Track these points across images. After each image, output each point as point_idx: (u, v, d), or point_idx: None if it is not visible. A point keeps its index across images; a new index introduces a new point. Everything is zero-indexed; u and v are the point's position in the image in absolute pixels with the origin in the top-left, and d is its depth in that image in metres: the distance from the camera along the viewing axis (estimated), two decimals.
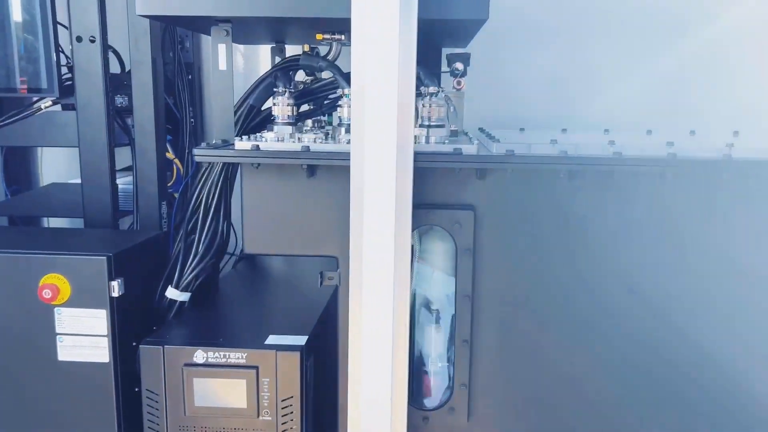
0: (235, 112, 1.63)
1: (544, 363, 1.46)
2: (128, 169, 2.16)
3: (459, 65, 1.76)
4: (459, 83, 1.78)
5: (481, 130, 1.82)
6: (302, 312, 1.67)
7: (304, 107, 1.78)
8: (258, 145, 1.36)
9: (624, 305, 1.41)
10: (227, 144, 1.44)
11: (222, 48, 1.42)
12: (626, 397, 1.46)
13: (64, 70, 1.94)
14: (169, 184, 2.13)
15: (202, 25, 1.51)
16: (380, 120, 1.23)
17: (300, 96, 1.65)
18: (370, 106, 1.23)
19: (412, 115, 1.25)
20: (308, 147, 1.35)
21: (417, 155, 1.32)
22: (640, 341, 1.43)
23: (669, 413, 1.47)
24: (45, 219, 2.44)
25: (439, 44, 1.95)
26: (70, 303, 1.52)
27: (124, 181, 2.10)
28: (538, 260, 1.41)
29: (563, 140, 1.44)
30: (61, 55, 1.91)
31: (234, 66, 1.47)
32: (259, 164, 1.37)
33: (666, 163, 1.29)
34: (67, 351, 1.54)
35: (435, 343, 1.53)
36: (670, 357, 1.44)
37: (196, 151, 1.35)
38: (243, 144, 1.37)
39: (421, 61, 1.94)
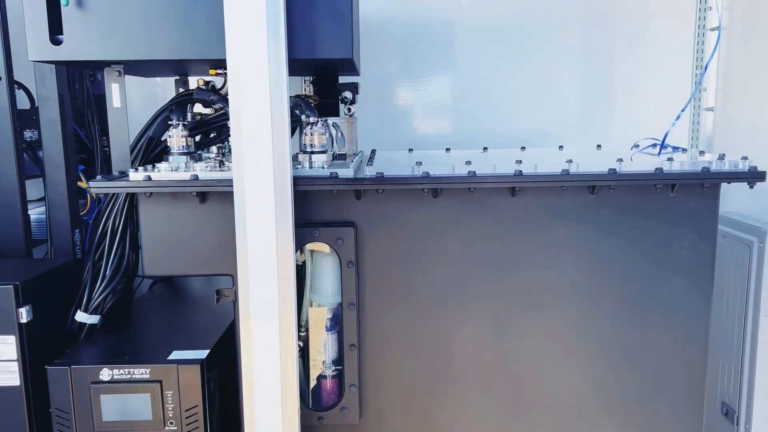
0: (136, 144, 1.75)
1: (426, 361, 1.62)
2: (42, 199, 2.24)
3: (347, 94, 1.94)
4: (349, 110, 1.95)
5: (372, 152, 1.98)
6: (208, 328, 1.79)
7: (213, 134, 1.91)
8: (150, 176, 1.48)
9: (488, 304, 1.59)
10: (124, 175, 1.56)
11: (115, 87, 1.54)
12: (499, 387, 1.63)
13: None
14: (83, 213, 2.21)
15: (95, 67, 1.62)
16: (256, 148, 1.38)
17: (198, 126, 1.78)
18: (247, 137, 1.37)
19: (287, 142, 1.40)
20: (197, 176, 1.48)
21: (297, 179, 1.47)
22: (506, 336, 1.61)
23: (538, 401, 1.65)
24: None
25: (334, 74, 2.10)
26: None
27: (37, 212, 2.17)
28: (412, 268, 1.57)
29: (441, 159, 1.62)
30: None
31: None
32: (151, 193, 1.49)
33: (512, 180, 1.47)
34: None
35: (331, 349, 1.67)
36: (532, 349, 1.62)
37: (91, 183, 1.46)
38: (136, 175, 1.49)
39: (320, 92, 2.11)
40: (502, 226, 1.56)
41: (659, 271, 1.59)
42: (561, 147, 2.04)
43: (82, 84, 2.24)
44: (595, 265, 1.58)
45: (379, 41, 2.57)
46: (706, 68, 1.78)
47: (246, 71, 1.35)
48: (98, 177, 1.48)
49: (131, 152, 1.71)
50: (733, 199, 2.32)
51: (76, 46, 1.42)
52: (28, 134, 2.11)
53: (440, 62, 2.59)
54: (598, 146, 2.05)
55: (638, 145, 1.95)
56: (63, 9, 1.39)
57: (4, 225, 1.98)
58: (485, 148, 2.04)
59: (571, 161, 1.51)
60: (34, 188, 2.19)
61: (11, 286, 1.59)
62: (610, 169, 1.48)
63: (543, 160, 1.62)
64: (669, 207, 1.55)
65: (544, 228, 1.56)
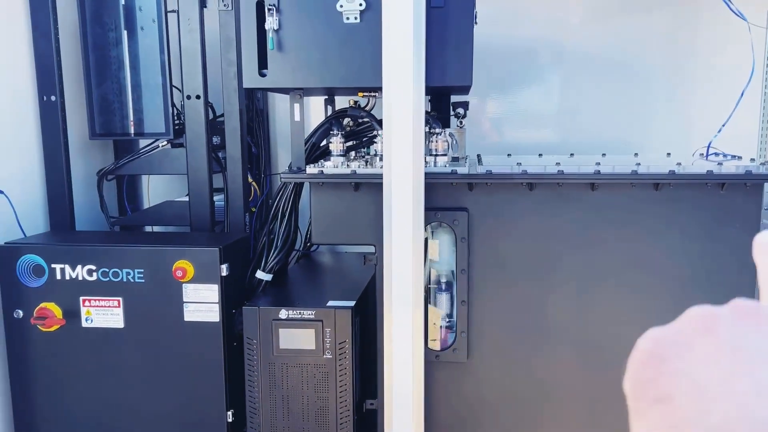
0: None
1: (520, 316, 2.10)
2: (218, 190, 2.89)
3: (460, 110, 2.45)
4: (461, 123, 2.46)
5: (478, 156, 2.48)
6: (351, 287, 2.36)
7: (350, 143, 2.48)
8: (322, 170, 2.05)
9: (572, 273, 2.06)
10: (301, 170, 2.14)
11: (297, 107, 2.13)
12: (579, 339, 2.09)
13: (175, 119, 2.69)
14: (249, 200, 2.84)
15: (283, 92, 2.21)
16: (401, 152, 1.91)
17: (349, 135, 2.35)
18: (396, 143, 1.91)
19: (422, 148, 1.93)
20: (355, 171, 2.04)
21: (426, 175, 1.99)
22: (586, 300, 2.06)
23: (612, 353, 2.09)
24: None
25: (447, 94, 2.62)
26: (193, 280, 2.22)
27: (216, 199, 2.82)
28: (511, 244, 2.06)
29: (535, 162, 2.09)
30: (174, 108, 2.66)
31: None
32: (323, 183, 2.06)
33: (591, 178, 1.94)
34: (191, 314, 2.24)
35: (445, 305, 2.18)
36: (607, 312, 2.07)
37: (283, 175, 2.05)
38: (312, 169, 2.06)
39: (434, 107, 2.64)
40: (584, 213, 2.02)
41: (712, 254, 1.99)
42: (636, 154, 2.46)
43: (252, 102, 2.88)
44: (658, 247, 2.01)
45: (478, 60, 3.06)
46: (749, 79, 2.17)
47: (396, 94, 1.90)
48: (286, 170, 2.07)
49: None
50: None
51: (275, 78, 2.01)
52: (214, 140, 2.76)
53: (531, 79, 3.05)
54: (668, 154, 2.46)
55: (702, 154, 2.35)
56: (269, 51, 1.99)
57: (197, 208, 2.63)
58: (572, 154, 2.49)
59: (639, 164, 1.95)
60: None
61: (217, 249, 2.21)
62: (670, 171, 1.91)
63: (619, 163, 2.06)
64: (719, 202, 1.96)
65: (617, 216, 2.01)
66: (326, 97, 2.64)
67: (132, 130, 2.68)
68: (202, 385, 2.26)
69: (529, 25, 3.02)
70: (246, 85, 2.04)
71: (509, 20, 3.01)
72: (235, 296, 2.31)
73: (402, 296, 2.00)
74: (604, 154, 2.48)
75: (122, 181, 3.02)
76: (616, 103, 2.99)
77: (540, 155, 2.52)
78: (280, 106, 3.15)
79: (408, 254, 1.97)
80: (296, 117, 2.14)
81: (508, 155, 2.58)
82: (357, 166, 2.09)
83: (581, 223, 2.03)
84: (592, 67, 3.00)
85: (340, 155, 2.18)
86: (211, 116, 2.89)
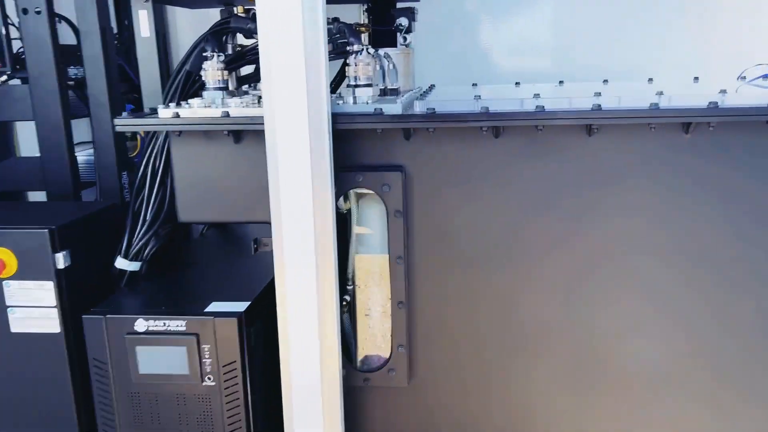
0: (174, 79, 1.62)
1: (483, 323, 1.44)
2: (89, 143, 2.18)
3: (403, 20, 1.72)
4: (405, 39, 1.73)
5: (431, 86, 1.77)
6: (253, 278, 1.68)
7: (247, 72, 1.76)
8: (178, 113, 1.34)
9: (557, 260, 1.38)
10: (155, 112, 1.43)
11: (143, 14, 1.41)
12: (567, 356, 1.44)
13: (18, 44, 1.95)
14: (134, 155, 2.14)
15: None
16: (288, 80, 1.21)
17: (235, 59, 1.62)
18: (277, 67, 1.21)
19: (323, 73, 1.22)
20: (228, 113, 1.33)
21: (337, 116, 1.30)
22: (577, 298, 1.40)
23: (614, 373, 1.45)
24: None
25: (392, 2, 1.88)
26: (17, 276, 1.55)
27: (87, 153, 2.12)
28: (468, 219, 1.38)
29: (507, 94, 1.39)
30: (12, 28, 1.92)
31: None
32: (180, 132, 1.36)
33: (588, 116, 1.24)
34: (19, 323, 1.58)
35: (374, 307, 1.52)
36: (608, 314, 1.41)
37: (116, 120, 1.34)
38: (165, 112, 1.36)
39: (375, 21, 1.90)
40: (576, 170, 1.34)
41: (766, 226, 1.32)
42: (650, 80, 1.76)
43: (128, 18, 2.13)
44: (686, 218, 1.34)
45: None
46: None
47: None
48: (124, 114, 1.36)
49: (169, 88, 1.59)
50: None
51: None
52: (73, 71, 2.02)
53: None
54: (696, 79, 1.75)
55: (745, 77, 1.65)
56: None
57: (53, 167, 1.94)
58: (561, 82, 1.78)
59: (661, 93, 1.25)
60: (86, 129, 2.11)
61: (46, 231, 1.53)
62: (710, 103, 1.22)
63: (628, 93, 1.37)
64: None
65: (626, 174, 1.33)
66: (222, 7, 1.90)
67: None
68: (48, 413, 1.62)
69: None
70: None
71: None
72: (91, 294, 1.64)
73: (302, 299, 1.34)
74: (605, 81, 1.77)
75: None
76: (622, 22, 2.25)
77: (517, 84, 1.81)
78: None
79: (308, 236, 1.30)
80: (143, 31, 1.42)
81: (474, 85, 1.85)
82: (235, 105, 1.39)
83: (572, 185, 1.35)
84: None
85: (219, 88, 1.47)
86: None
